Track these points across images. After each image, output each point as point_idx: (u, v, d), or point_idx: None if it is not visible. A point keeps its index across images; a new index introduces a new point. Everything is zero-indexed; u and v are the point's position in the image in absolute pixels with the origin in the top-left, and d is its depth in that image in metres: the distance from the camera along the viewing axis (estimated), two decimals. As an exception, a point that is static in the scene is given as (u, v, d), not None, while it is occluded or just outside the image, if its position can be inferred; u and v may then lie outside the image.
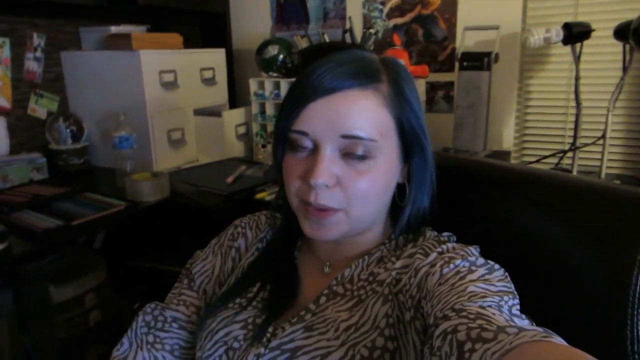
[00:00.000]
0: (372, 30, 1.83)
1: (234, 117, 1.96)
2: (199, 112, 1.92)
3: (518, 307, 0.50)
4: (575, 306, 0.56)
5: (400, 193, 0.65)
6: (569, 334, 0.44)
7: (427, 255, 0.59)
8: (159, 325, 0.69)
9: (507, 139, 1.80)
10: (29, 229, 1.21)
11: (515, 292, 0.52)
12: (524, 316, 0.48)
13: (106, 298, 1.58)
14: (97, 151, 1.85)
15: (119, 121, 1.59)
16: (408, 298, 0.56)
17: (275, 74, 1.92)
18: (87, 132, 1.83)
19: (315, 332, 0.56)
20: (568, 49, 1.53)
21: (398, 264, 0.61)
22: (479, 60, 1.57)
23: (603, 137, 1.48)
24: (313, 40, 1.91)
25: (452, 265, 0.54)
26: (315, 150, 0.59)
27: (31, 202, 1.38)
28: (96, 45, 1.85)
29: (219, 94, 2.02)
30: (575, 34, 1.48)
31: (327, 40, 1.87)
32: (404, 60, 1.66)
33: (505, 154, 1.73)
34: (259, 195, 1.47)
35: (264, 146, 1.89)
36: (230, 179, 1.57)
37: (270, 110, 1.92)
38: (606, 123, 1.46)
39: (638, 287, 0.49)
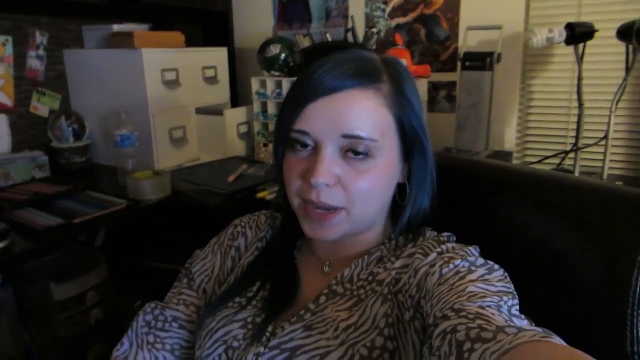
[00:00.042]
0: (374, 30, 1.83)
1: (235, 116, 1.96)
2: (200, 110, 1.92)
3: (518, 307, 0.50)
4: (575, 306, 0.56)
5: (400, 193, 0.65)
6: (569, 334, 0.44)
7: (427, 255, 0.59)
8: (160, 325, 0.69)
9: (509, 139, 1.80)
10: (31, 227, 1.21)
11: (515, 293, 0.52)
12: (523, 316, 0.48)
13: (107, 296, 1.59)
14: (99, 149, 1.86)
15: (121, 120, 1.59)
16: (408, 298, 0.56)
17: (277, 73, 1.91)
18: (89, 131, 1.83)
19: (315, 331, 0.57)
20: (571, 49, 1.53)
21: (398, 264, 0.61)
22: (481, 61, 1.56)
23: (606, 138, 1.48)
24: (315, 40, 1.91)
25: (451, 266, 0.54)
26: (316, 150, 0.59)
27: (33, 200, 1.38)
28: (99, 43, 1.85)
29: (221, 92, 2.02)
30: (579, 34, 1.47)
31: (330, 39, 1.87)
32: (406, 60, 1.66)
33: (508, 155, 1.73)
34: (260, 195, 1.47)
35: (265, 145, 1.89)
36: (231, 178, 1.57)
37: (272, 109, 1.92)
38: (609, 124, 1.46)
39: (638, 288, 0.49)
